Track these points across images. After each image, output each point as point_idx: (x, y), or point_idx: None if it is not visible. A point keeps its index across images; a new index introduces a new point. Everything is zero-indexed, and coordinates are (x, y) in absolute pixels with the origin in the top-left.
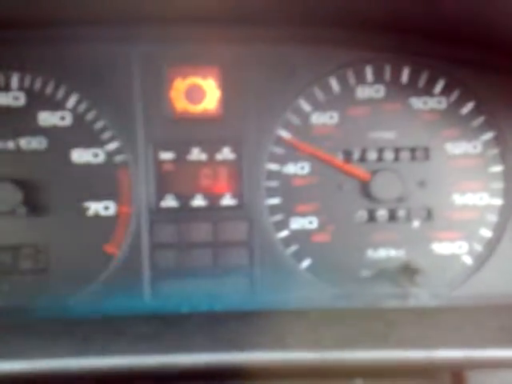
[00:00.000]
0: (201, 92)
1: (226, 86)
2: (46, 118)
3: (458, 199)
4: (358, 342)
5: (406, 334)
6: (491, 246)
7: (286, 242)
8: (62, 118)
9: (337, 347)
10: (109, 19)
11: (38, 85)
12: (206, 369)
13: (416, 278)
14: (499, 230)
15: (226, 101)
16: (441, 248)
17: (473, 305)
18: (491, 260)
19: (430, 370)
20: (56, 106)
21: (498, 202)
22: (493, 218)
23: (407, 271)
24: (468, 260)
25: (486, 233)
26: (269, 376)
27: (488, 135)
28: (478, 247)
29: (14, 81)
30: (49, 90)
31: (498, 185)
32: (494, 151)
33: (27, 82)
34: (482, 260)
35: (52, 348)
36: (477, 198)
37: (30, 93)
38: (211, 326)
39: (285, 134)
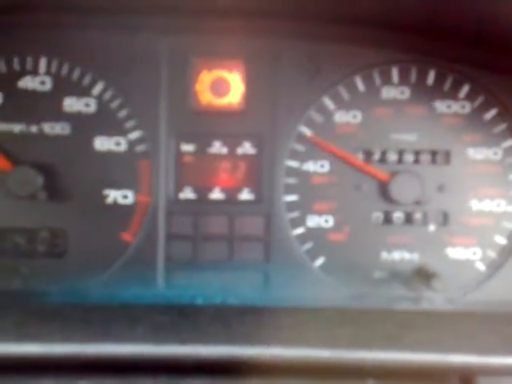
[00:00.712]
0: (226, 85)
1: (250, 81)
2: (70, 104)
3: (475, 205)
4: (371, 343)
5: (419, 336)
6: (505, 253)
7: (302, 239)
8: (87, 105)
9: (350, 346)
10: (138, 9)
11: (64, 70)
12: (219, 361)
13: (429, 281)
14: None
15: (249, 95)
16: (455, 253)
17: (486, 311)
18: (505, 267)
19: (439, 374)
20: (82, 92)
21: None
22: (508, 225)
23: (421, 274)
24: (481, 266)
25: (501, 240)
26: (280, 372)
27: (509, 142)
28: (492, 254)
29: (42, 65)
30: (75, 76)
31: None
32: None
33: (54, 67)
34: (495, 267)
35: (68, 333)
36: (494, 205)
37: (56, 78)
38: (225, 318)
39: (307, 131)
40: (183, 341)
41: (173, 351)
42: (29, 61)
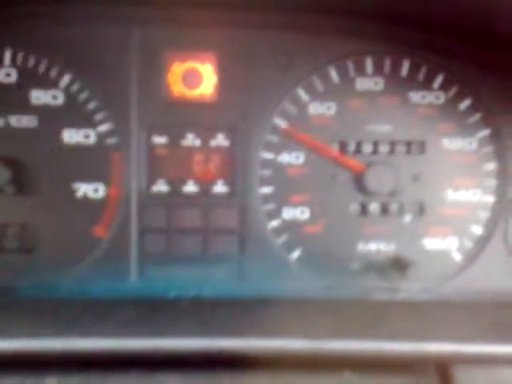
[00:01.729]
0: (198, 76)
1: (223, 72)
2: (37, 97)
3: (450, 195)
4: (347, 333)
5: (395, 326)
6: (481, 242)
7: (277, 231)
8: (54, 97)
9: (326, 337)
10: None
11: (30, 62)
12: (192, 354)
13: (406, 271)
14: (490, 227)
15: (222, 86)
16: (431, 243)
17: (462, 300)
18: (481, 257)
19: (416, 363)
20: (48, 84)
21: (490, 199)
22: (484, 214)
23: (397, 265)
24: (458, 256)
25: (477, 229)
26: (255, 364)
27: (484, 132)
28: (469, 243)
29: (7, 57)
30: (42, 68)
31: (491, 182)
32: (489, 149)
33: (20, 59)
34: (471, 256)
35: (36, 327)
36: (469, 195)
37: (22, 70)
38: (198, 311)
39: (281, 122)
40: (154, 334)
41: (143, 345)
42: None
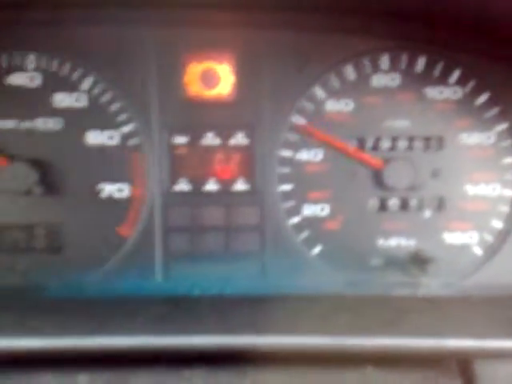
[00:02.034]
0: (215, 76)
1: (240, 72)
2: (61, 99)
3: (470, 190)
4: (368, 329)
5: (416, 322)
6: (502, 236)
7: (298, 228)
8: (78, 100)
9: (348, 333)
10: (126, 2)
11: (54, 66)
12: (216, 351)
13: (426, 267)
14: (510, 221)
15: (240, 86)
16: (452, 238)
17: (483, 295)
18: (502, 251)
19: (437, 358)
20: (72, 87)
21: (510, 193)
22: (504, 208)
23: (417, 260)
24: (478, 251)
25: (497, 224)
26: (278, 361)
27: (502, 126)
28: (489, 238)
29: (31, 61)
30: (65, 71)
31: (511, 176)
32: (508, 142)
33: (43, 63)
34: (492, 251)
35: (66, 326)
36: (489, 189)
37: (46, 74)
38: (222, 309)
39: (299, 120)
40: (181, 331)
41: (170, 342)
42: (17, 57)
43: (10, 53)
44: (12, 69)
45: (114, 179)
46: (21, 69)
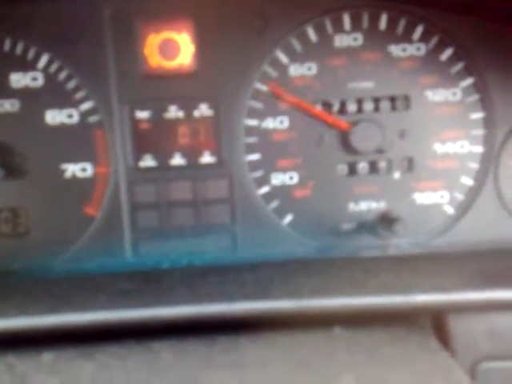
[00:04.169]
0: (175, 47)
1: (200, 40)
2: (17, 80)
3: (438, 148)
4: (336, 290)
5: (385, 280)
6: (472, 194)
7: (267, 198)
8: (34, 79)
9: (316, 295)
10: None
11: (7, 46)
12: (184, 321)
13: (395, 227)
14: (480, 177)
15: (200, 55)
16: (422, 198)
17: (454, 252)
18: (473, 208)
19: (410, 315)
20: (27, 66)
21: (479, 149)
22: (474, 165)
23: (385, 221)
24: (449, 209)
25: (467, 181)
26: (249, 328)
27: (467, 81)
28: (460, 196)
29: None
30: (19, 50)
31: (479, 132)
32: (474, 98)
33: None
34: (463, 208)
35: (30, 306)
36: (457, 146)
37: None
38: (192, 279)
39: (262, 87)
40: (146, 304)
41: (136, 315)
42: None
43: None
44: None
45: (76, 158)
46: None
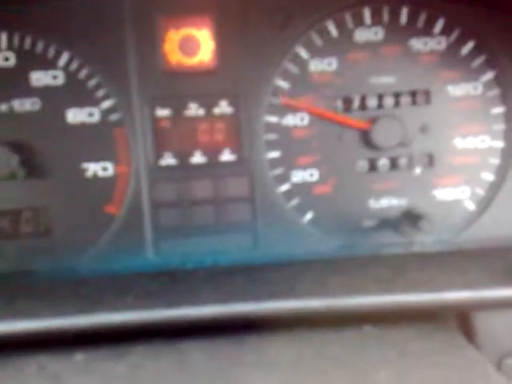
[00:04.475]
0: (195, 43)
1: (220, 37)
2: (38, 78)
3: (459, 143)
4: (363, 288)
5: (412, 277)
6: (493, 189)
7: (288, 195)
8: (55, 78)
9: (344, 294)
10: None
11: (27, 44)
12: (212, 321)
13: (419, 224)
14: (501, 172)
15: (221, 52)
16: (443, 194)
17: (477, 248)
18: (494, 204)
19: (436, 313)
20: (48, 65)
21: (500, 144)
22: (494, 160)
23: (409, 218)
24: (470, 205)
25: (488, 176)
26: (276, 327)
27: (488, 75)
28: (481, 191)
29: (3, 41)
30: (39, 48)
31: (500, 127)
32: (495, 92)
33: (16, 42)
34: (484, 204)
35: (58, 307)
36: (478, 141)
37: (20, 53)
38: (216, 279)
39: (283, 84)
40: (174, 304)
41: (163, 315)
42: None
43: None
44: None
45: (97, 157)
46: None
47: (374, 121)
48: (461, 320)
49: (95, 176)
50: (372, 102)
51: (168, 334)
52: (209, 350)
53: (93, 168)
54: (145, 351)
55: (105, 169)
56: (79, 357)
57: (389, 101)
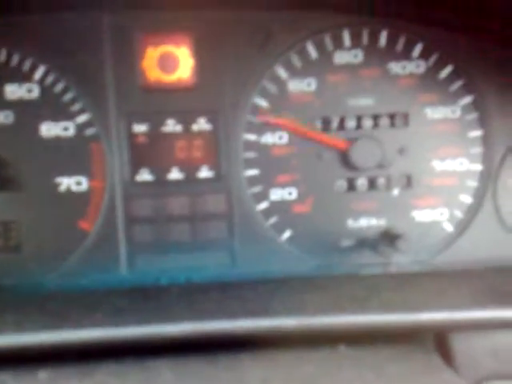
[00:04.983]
0: (174, 60)
1: (199, 54)
2: (12, 91)
3: (437, 165)
4: (339, 307)
5: (388, 298)
6: (471, 211)
7: (266, 213)
8: (29, 91)
9: (318, 312)
10: None
11: (2, 56)
12: (187, 339)
13: (397, 244)
14: (479, 195)
15: (200, 69)
16: (421, 215)
17: (454, 270)
18: (472, 226)
19: (412, 333)
20: (23, 78)
21: (478, 167)
22: (472, 183)
23: (387, 238)
24: (449, 227)
25: (466, 199)
26: (251, 345)
27: (466, 99)
28: (459, 213)
29: None
30: (14, 61)
31: (477, 150)
32: (473, 116)
33: None
34: (462, 226)
35: (25, 322)
36: (456, 164)
37: None
38: (190, 296)
39: (261, 102)
40: (144, 321)
41: (133, 332)
42: None
43: None
44: None
45: (71, 172)
46: None
47: (352, 141)
48: (438, 341)
49: (68, 190)
50: (351, 123)
51: (138, 352)
52: (179, 368)
53: (66, 182)
54: (113, 369)
55: (79, 183)
56: (43, 375)
57: (367, 122)
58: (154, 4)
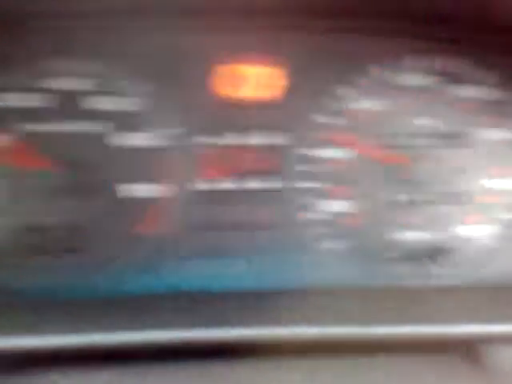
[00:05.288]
0: (244, 77)
1: (264, 71)
2: (104, 103)
3: (489, 184)
4: (380, 318)
5: (427, 310)
6: None
7: (311, 224)
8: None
9: (359, 322)
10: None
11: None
12: (238, 342)
13: (440, 257)
14: None
15: (267, 87)
16: (466, 230)
17: (495, 285)
18: None
19: (446, 345)
20: (117, 93)
21: None
22: None
23: (431, 251)
24: (491, 242)
25: (509, 215)
26: (293, 352)
27: None
28: (502, 229)
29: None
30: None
31: None
32: None
33: (81, 68)
34: (505, 242)
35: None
36: (504, 183)
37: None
38: (242, 302)
39: (322, 118)
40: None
41: (184, 336)
42: (67, 62)
43: (63, 57)
44: (60, 74)
45: (134, 179)
46: (69, 74)
47: (412, 159)
48: (471, 352)
49: (130, 196)
50: (411, 142)
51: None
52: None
53: (128, 188)
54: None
55: (140, 190)
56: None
57: (425, 142)
58: (229, 27)
